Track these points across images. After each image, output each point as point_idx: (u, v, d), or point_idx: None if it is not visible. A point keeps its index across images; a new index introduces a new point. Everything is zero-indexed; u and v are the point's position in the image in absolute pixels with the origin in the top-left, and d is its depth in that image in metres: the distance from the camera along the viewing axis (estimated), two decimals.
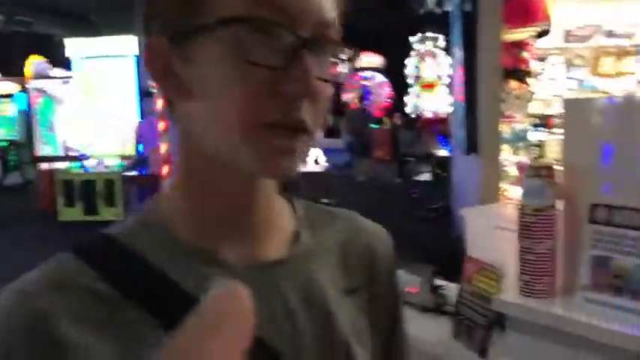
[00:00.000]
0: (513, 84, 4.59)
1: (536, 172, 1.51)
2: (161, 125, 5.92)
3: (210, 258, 0.57)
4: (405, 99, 15.16)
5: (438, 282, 2.16)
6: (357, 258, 0.67)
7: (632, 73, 5.32)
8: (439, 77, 14.83)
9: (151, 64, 0.55)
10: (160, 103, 5.93)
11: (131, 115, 8.42)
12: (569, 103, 1.62)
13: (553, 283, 1.54)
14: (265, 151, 0.53)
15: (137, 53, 8.20)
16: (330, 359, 0.60)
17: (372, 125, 13.59)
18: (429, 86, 15.09)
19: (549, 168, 1.52)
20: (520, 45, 4.52)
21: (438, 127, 11.50)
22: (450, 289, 2.04)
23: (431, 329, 1.78)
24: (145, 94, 7.97)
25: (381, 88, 15.68)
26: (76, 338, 0.50)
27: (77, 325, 0.51)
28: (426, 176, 9.19)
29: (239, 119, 0.52)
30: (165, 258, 0.56)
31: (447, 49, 12.05)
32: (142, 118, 8.20)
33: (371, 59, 15.55)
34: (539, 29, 4.52)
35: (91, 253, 0.56)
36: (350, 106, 12.94)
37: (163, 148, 5.90)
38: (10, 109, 11.51)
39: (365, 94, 15.65)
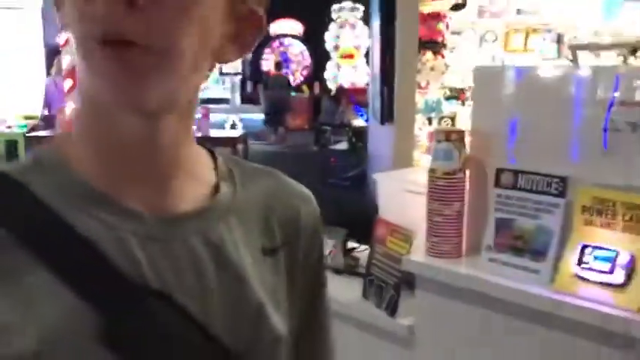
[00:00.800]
0: (429, 55, 4.69)
1: (446, 137, 1.55)
2: (67, 84, 5.61)
3: (111, 204, 0.54)
4: (326, 68, 15.19)
5: (351, 245, 2.19)
6: (280, 217, 0.64)
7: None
8: (358, 48, 14.93)
9: None
10: (66, 61, 5.63)
11: (36, 74, 7.95)
12: (479, 72, 1.67)
13: (460, 244, 1.60)
14: (100, 72, 0.48)
15: (42, 5, 7.73)
16: (241, 320, 0.57)
17: (292, 93, 13.55)
18: (349, 56, 15.17)
19: (459, 132, 1.57)
20: (436, 17, 4.61)
21: (355, 97, 11.59)
22: (363, 251, 2.08)
23: (343, 290, 1.81)
24: (52, 52, 7.54)
25: (301, 55, 15.62)
26: None
27: None
28: (342, 145, 9.28)
29: (77, 41, 0.48)
30: (62, 201, 0.52)
31: (366, 20, 12.10)
32: (48, 76, 7.77)
33: (291, 26, 15.43)
34: (454, 2, 4.63)
35: None
36: (268, 73, 12.80)
37: (69, 108, 5.61)
38: None
39: (284, 61, 15.54)
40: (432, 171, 1.59)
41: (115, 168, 0.55)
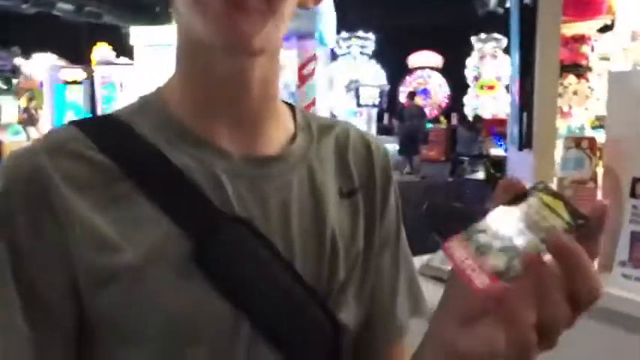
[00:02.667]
0: (571, 79, 4.48)
1: (576, 144, 1.48)
2: None
3: (205, 143, 0.58)
4: (464, 99, 14.97)
5: None
6: (355, 162, 0.67)
7: None
8: (499, 79, 14.57)
9: None
10: None
11: None
12: (614, 75, 1.58)
13: None
14: (214, 12, 0.51)
15: None
16: (317, 257, 0.60)
17: (428, 124, 13.47)
18: (489, 87, 14.84)
19: (591, 139, 1.49)
20: (580, 39, 4.40)
21: (496, 128, 11.28)
22: None
23: None
24: None
25: (439, 87, 15.53)
26: (68, 196, 0.53)
27: (71, 184, 0.53)
28: (479, 175, 9.03)
29: None
30: (161, 139, 0.58)
31: (507, 51, 11.82)
32: None
33: (430, 57, 15.42)
34: (601, 23, 4.39)
35: (90, 125, 0.59)
36: (404, 104, 12.85)
37: None
38: (77, 95, 11.98)
39: (423, 92, 15.53)
40: (560, 180, 1.52)
41: (210, 109, 0.60)
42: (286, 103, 0.69)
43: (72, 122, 0.59)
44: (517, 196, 0.46)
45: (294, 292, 0.58)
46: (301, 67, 5.34)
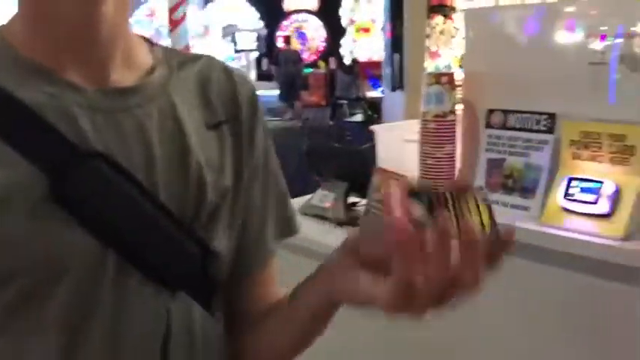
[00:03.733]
0: (438, 19, 4.66)
1: (437, 80, 1.56)
2: None
3: (55, 78, 0.57)
4: (341, 42, 15.10)
5: (353, 199, 2.22)
6: (219, 94, 0.68)
7: None
8: (373, 21, 14.80)
9: None
10: None
11: None
12: (470, 13, 1.67)
13: None
14: None
15: None
16: (185, 188, 0.61)
17: (307, 69, 13.50)
18: (364, 30, 15.05)
19: (449, 75, 1.58)
20: None
21: (371, 70, 11.53)
22: (363, 205, 2.11)
23: (342, 239, 1.84)
24: None
25: (316, 30, 15.54)
26: None
27: None
28: (358, 118, 9.28)
29: None
30: (7, 77, 0.56)
31: None
32: None
33: (305, 0, 15.34)
34: None
35: None
36: (280, 49, 12.73)
37: None
38: None
39: (300, 37, 15.48)
40: (423, 114, 1.61)
41: (58, 48, 0.58)
42: (145, 38, 0.68)
43: None
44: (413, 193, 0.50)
45: (159, 221, 0.59)
46: (171, 11, 5.13)
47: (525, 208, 1.46)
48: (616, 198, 1.29)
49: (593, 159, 1.35)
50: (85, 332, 0.56)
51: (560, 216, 1.36)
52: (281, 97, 11.26)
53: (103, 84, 0.60)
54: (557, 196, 1.37)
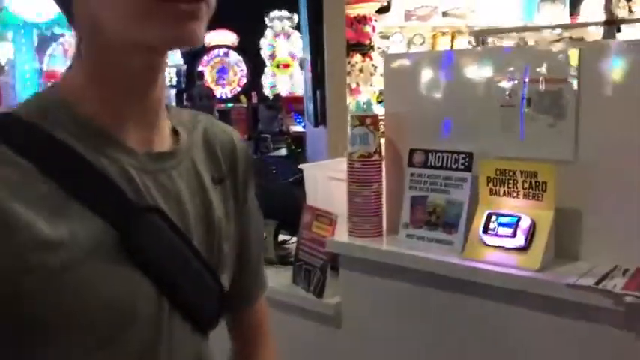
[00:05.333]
0: (357, 58, 4.82)
1: (361, 121, 1.63)
2: None
3: (113, 141, 0.63)
4: (262, 77, 15.22)
5: (283, 237, 2.24)
6: (221, 151, 0.77)
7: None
8: (293, 57, 15.04)
9: None
10: None
11: None
12: (389, 57, 1.75)
13: (380, 223, 1.68)
14: (172, 16, 0.56)
15: None
16: (207, 236, 0.70)
17: (229, 104, 13.49)
18: (285, 65, 15.26)
19: (373, 117, 1.65)
20: (363, 20, 4.75)
21: (293, 105, 11.68)
22: (293, 243, 2.13)
23: (274, 278, 1.85)
24: None
25: (237, 65, 15.61)
26: (11, 202, 0.54)
27: (9, 191, 0.55)
28: (282, 152, 9.36)
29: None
30: (71, 137, 0.60)
31: (299, 28, 12.22)
32: None
33: (225, 36, 15.41)
34: (379, 5, 4.78)
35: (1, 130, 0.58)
36: (194, 84, 12.67)
37: None
38: None
39: (221, 71, 15.49)
40: (350, 155, 1.66)
41: (118, 108, 0.64)
42: None
43: None
44: None
45: (198, 268, 0.68)
46: None
47: (449, 243, 1.53)
48: (531, 231, 1.37)
49: (509, 195, 1.44)
50: None
51: (480, 249, 1.44)
52: None
53: (149, 146, 0.67)
54: (478, 231, 1.44)
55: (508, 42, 4.59)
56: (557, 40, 4.41)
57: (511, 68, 1.47)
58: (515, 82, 1.46)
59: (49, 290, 0.56)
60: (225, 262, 0.74)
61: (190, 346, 0.68)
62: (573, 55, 1.38)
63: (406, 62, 1.70)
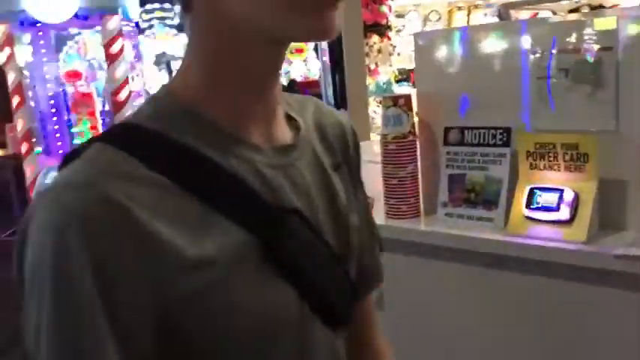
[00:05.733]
0: (375, 38, 4.78)
1: (394, 102, 1.61)
2: (16, 100, 5.52)
3: (240, 140, 0.59)
4: None
5: None
6: (333, 136, 0.72)
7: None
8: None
9: None
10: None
11: None
12: (419, 36, 1.73)
13: (417, 204, 1.67)
14: (312, 6, 0.54)
15: None
16: (336, 228, 0.66)
17: None
18: (298, 51, 15.20)
19: (406, 97, 1.63)
20: (378, 0, 4.69)
21: (309, 90, 11.66)
22: None
23: None
24: None
25: None
26: (144, 221, 0.50)
27: (140, 207, 0.50)
28: None
29: None
30: (199, 142, 0.56)
31: None
32: None
33: None
34: None
35: (122, 140, 0.54)
36: None
37: (19, 125, 5.52)
38: None
39: None
40: (383, 137, 1.65)
41: (240, 106, 0.59)
42: None
43: (97, 140, 0.54)
44: None
45: (333, 266, 0.64)
46: (108, 46, 5.06)
47: (490, 220, 1.51)
48: (575, 204, 1.36)
49: (550, 168, 1.42)
50: None
51: (524, 225, 1.42)
52: None
53: (272, 140, 0.62)
54: (521, 207, 1.43)
55: (526, 14, 4.52)
56: (575, 10, 4.34)
57: (543, 40, 1.44)
58: (550, 52, 1.43)
59: (196, 314, 0.52)
60: (353, 255, 0.69)
61: (327, 345, 0.64)
62: (609, 22, 1.35)
63: (436, 40, 1.68)
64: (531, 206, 1.41)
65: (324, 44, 11.75)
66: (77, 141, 6.19)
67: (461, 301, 1.56)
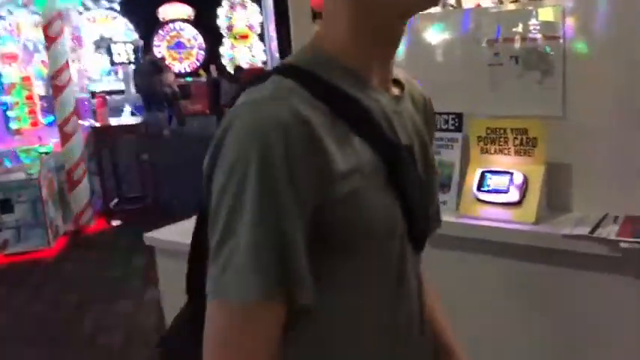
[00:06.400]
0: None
1: None
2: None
3: (372, 86, 0.72)
4: (220, 50, 15.01)
5: None
6: (419, 103, 0.83)
7: None
8: (251, 27, 14.85)
9: None
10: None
11: None
12: None
13: None
14: None
15: None
16: (425, 170, 0.79)
17: (188, 78, 13.28)
18: (242, 37, 15.06)
19: None
20: None
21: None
22: None
23: None
24: None
25: (194, 39, 15.32)
26: (324, 137, 0.63)
27: (316, 124, 0.63)
28: None
29: None
30: (344, 84, 0.69)
31: None
32: None
33: (180, 10, 15.07)
34: None
35: (295, 76, 0.67)
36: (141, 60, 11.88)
37: None
38: None
39: (177, 46, 15.20)
40: None
41: (373, 59, 0.72)
42: None
43: (271, 73, 0.68)
44: None
45: (424, 200, 0.77)
46: (46, 27, 4.86)
47: (443, 202, 1.56)
48: (525, 186, 1.41)
49: (500, 152, 1.47)
50: (404, 279, 0.74)
51: (475, 207, 1.47)
52: (146, 108, 10.48)
53: (390, 91, 0.75)
54: (472, 189, 1.47)
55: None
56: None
57: (490, 28, 1.49)
58: (497, 40, 1.48)
59: (340, 212, 0.65)
60: (434, 197, 0.86)
61: (414, 267, 0.77)
62: (554, 13, 1.41)
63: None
64: (482, 189, 1.46)
65: (271, 28, 11.67)
66: (13, 125, 5.95)
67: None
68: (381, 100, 0.72)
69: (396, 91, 0.77)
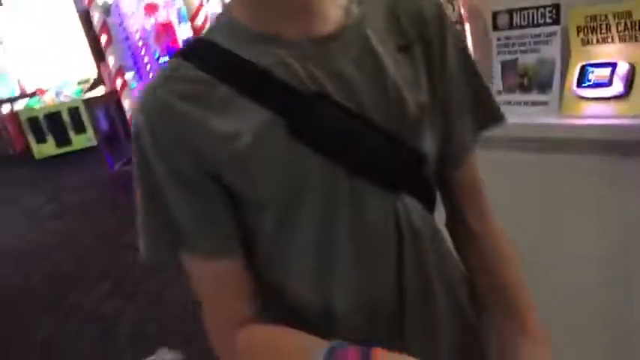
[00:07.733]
0: None
1: None
2: (103, 39, 5.77)
3: (274, 40, 0.70)
4: None
5: None
6: (407, 16, 0.76)
7: None
8: None
9: None
10: (96, 19, 5.76)
11: (73, 37, 8.17)
12: None
13: None
14: None
15: None
16: (388, 106, 0.72)
17: None
18: None
19: None
20: None
21: None
22: None
23: None
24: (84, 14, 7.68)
25: None
26: (187, 110, 0.68)
27: (187, 102, 0.69)
28: None
29: None
30: (236, 44, 0.71)
31: None
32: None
33: None
34: None
35: (187, 51, 0.74)
36: None
37: (111, 62, 5.79)
38: None
39: None
40: None
41: (269, 10, 0.71)
42: None
43: (177, 52, 0.74)
44: None
45: (373, 137, 0.71)
46: None
47: (544, 103, 1.47)
48: (631, 76, 1.28)
49: (603, 42, 1.34)
50: (331, 229, 0.72)
51: (577, 105, 1.37)
52: None
53: (310, 32, 0.71)
54: (572, 86, 1.37)
55: None
56: None
57: None
58: None
59: (236, 175, 0.69)
60: (418, 130, 0.75)
61: (380, 203, 0.73)
62: None
63: None
64: (583, 84, 1.35)
65: None
66: None
67: (518, 191, 1.54)
68: (279, 54, 0.69)
69: (330, 26, 0.72)
